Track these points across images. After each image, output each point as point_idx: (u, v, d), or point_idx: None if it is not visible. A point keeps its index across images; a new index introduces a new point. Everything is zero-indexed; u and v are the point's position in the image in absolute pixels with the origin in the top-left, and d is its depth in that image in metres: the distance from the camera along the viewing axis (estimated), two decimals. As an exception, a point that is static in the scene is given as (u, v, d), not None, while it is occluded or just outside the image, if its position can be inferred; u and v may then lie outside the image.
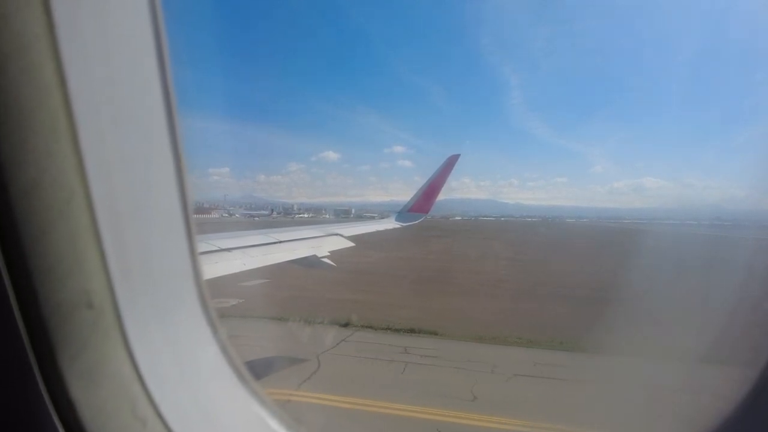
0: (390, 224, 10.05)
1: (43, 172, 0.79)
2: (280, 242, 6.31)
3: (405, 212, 10.68)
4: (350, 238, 7.61)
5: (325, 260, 6.60)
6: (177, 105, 1.00)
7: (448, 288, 18.75)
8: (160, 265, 1.03)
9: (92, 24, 0.83)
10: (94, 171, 0.84)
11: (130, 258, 0.93)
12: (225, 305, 13.80)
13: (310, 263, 6.46)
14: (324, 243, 7.00)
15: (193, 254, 1.09)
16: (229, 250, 5.25)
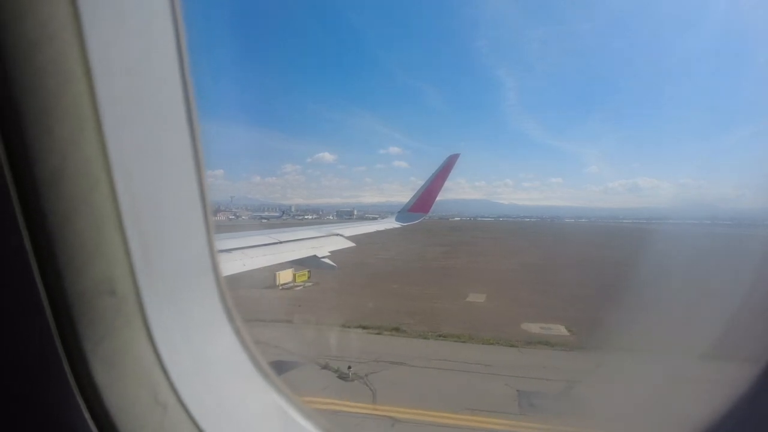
0: (390, 224, 10.08)
1: (68, 161, 0.80)
2: (280, 243, 6.32)
3: (405, 212, 10.72)
4: (350, 238, 7.63)
5: (326, 260, 6.61)
6: (195, 98, 1.02)
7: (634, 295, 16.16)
8: (180, 254, 1.05)
9: (116, 16, 0.85)
10: (117, 160, 0.86)
11: (152, 247, 0.95)
12: (560, 333, 12.60)
13: (310, 264, 6.47)
14: (324, 243, 7.01)
15: (210, 245, 1.11)
16: (229, 251, 5.25)
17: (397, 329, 13.18)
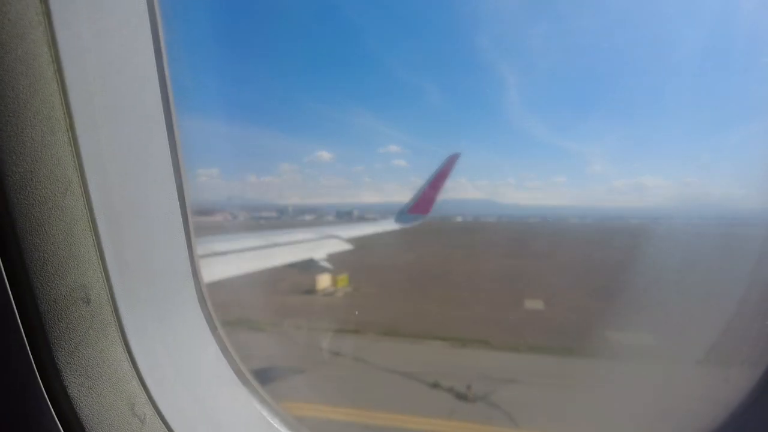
0: (389, 226, 10.05)
1: (39, 164, 0.78)
2: (277, 245, 6.30)
3: (404, 213, 10.68)
4: (348, 240, 7.60)
5: (323, 263, 6.58)
6: (174, 99, 1.00)
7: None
8: (158, 260, 1.02)
9: (89, 14, 0.82)
10: (91, 163, 0.83)
11: (128, 253, 0.92)
12: (648, 342, 11.08)
13: (307, 267, 6.44)
14: (321, 246, 6.98)
15: (191, 250, 1.08)
16: (224, 253, 5.23)
17: (484, 342, 11.88)
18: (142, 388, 0.92)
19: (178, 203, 1.02)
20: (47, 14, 0.76)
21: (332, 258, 6.82)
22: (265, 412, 1.15)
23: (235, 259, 5.16)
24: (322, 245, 6.98)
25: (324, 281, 18.57)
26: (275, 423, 1.14)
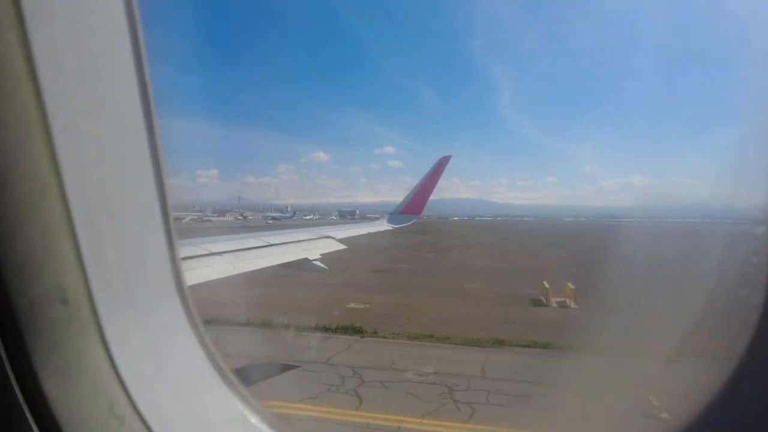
0: (382, 226, 10.06)
1: (14, 165, 0.78)
2: (271, 245, 6.29)
3: (397, 214, 10.69)
4: (341, 240, 7.61)
5: (317, 263, 6.58)
6: (155, 100, 1.00)
7: None
8: (138, 260, 1.02)
9: (64, 15, 0.83)
10: (68, 164, 0.83)
11: (106, 253, 0.93)
12: None
13: (302, 267, 6.44)
14: (316, 246, 6.98)
15: (172, 250, 1.08)
16: (219, 254, 5.22)
17: None
18: (121, 388, 0.93)
19: (158, 204, 1.03)
20: (20, 16, 0.76)
21: (326, 258, 6.81)
22: (246, 411, 1.16)
23: (231, 259, 5.16)
24: (316, 245, 6.98)
25: (545, 290, 15.59)
26: (255, 421, 1.15)
